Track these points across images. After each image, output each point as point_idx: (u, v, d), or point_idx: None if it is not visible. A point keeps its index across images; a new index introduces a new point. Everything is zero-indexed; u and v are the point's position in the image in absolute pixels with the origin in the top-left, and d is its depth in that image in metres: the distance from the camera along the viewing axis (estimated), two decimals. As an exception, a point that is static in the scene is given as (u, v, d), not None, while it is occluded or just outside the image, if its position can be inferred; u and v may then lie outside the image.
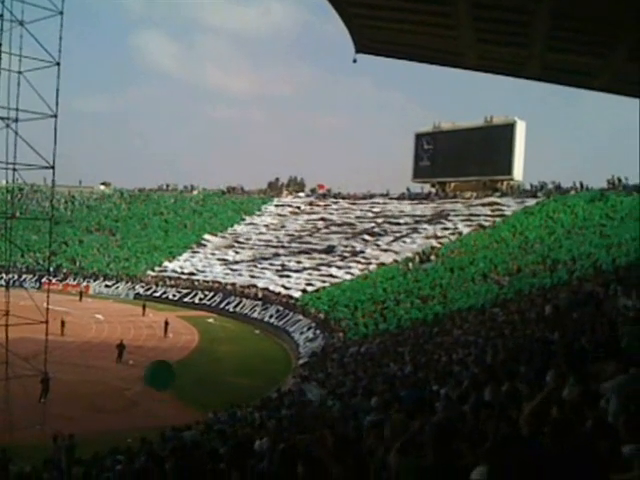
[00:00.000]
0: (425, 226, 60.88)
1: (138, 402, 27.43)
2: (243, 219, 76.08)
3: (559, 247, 44.06)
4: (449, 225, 59.27)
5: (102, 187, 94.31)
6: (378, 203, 71.40)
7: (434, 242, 56.21)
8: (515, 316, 25.18)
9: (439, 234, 57.89)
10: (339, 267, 56.51)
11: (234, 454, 4.80)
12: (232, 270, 61.56)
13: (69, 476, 13.24)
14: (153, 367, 15.94)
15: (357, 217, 68.83)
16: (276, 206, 78.74)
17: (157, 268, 65.20)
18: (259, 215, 76.79)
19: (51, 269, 58.15)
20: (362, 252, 59.06)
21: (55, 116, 26.23)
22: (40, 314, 24.78)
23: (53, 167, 26.62)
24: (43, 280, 57.23)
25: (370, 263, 55.56)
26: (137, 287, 61.48)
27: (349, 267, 55.82)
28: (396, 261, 53.85)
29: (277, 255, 63.20)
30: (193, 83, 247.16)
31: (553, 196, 59.01)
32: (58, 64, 26.07)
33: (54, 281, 57.92)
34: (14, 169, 26.70)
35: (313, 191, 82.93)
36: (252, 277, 58.32)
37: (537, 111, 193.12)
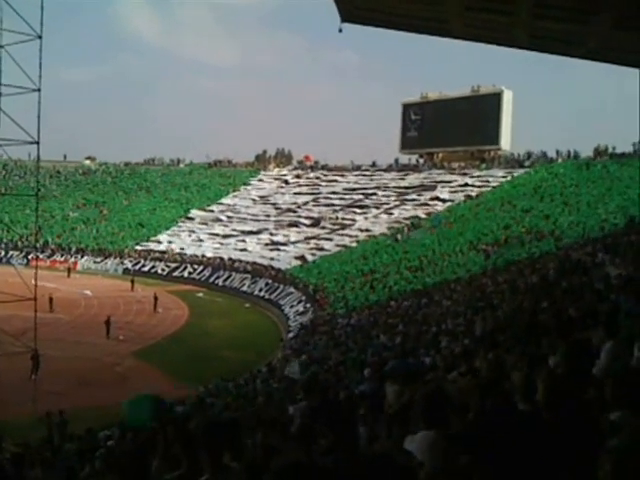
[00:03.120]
0: (413, 197, 60.89)
1: (129, 377, 27.48)
2: (230, 192, 75.70)
3: (547, 216, 44.24)
4: (437, 196, 59.29)
5: (87, 162, 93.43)
6: (366, 174, 71.23)
7: (422, 213, 56.29)
8: (504, 286, 25.30)
9: (427, 205, 57.93)
10: (328, 239, 56.55)
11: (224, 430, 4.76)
12: (221, 244, 61.44)
13: (62, 452, 13.29)
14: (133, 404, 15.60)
15: (345, 189, 68.64)
16: (263, 180, 78.35)
17: (145, 243, 64.92)
18: (247, 188, 76.42)
19: (38, 245, 57.78)
20: (350, 224, 59.09)
21: (38, 90, 25.87)
22: (28, 291, 24.66)
23: (38, 142, 26.33)
24: (30, 256, 56.89)
25: (358, 235, 55.62)
26: (125, 262, 61.21)
27: (338, 239, 55.86)
28: (384, 233, 53.91)
29: (266, 228, 63.10)
30: (175, 54, 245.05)
31: (540, 165, 59.15)
32: (40, 37, 25.62)
33: (42, 257, 57.59)
34: (-2, 145, 26.46)
35: (300, 163, 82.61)
36: (241, 250, 58.26)
37: (524, 80, 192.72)
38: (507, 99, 64.35)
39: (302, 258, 52.96)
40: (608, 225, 35.80)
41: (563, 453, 2.70)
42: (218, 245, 61.26)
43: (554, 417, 3.76)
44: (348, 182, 70.42)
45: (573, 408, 4.46)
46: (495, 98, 64.08)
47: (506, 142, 64.93)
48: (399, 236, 51.33)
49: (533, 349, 8.48)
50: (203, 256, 58.69)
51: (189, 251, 60.75)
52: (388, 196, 63.35)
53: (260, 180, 78.28)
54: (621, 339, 6.91)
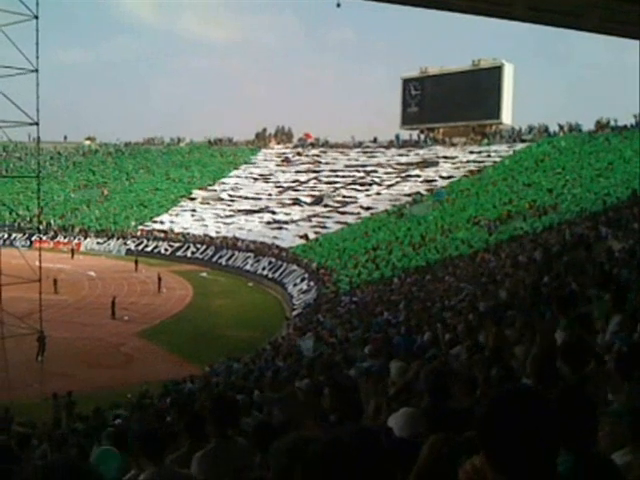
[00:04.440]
0: (415, 173, 60.70)
1: (135, 357, 27.68)
2: (232, 171, 75.49)
3: (549, 190, 44.14)
4: (439, 171, 59.13)
5: (87, 142, 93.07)
6: (367, 151, 70.96)
7: (424, 189, 56.17)
8: (506, 261, 25.35)
9: (429, 181, 57.79)
10: (330, 217, 56.51)
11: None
12: (223, 223, 61.40)
13: (70, 431, 13.41)
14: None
15: (346, 166, 68.42)
16: (264, 158, 78.10)
17: (147, 223, 64.85)
18: (247, 167, 76.20)
19: (41, 227, 57.79)
20: (352, 201, 59.00)
21: (36, 71, 25.74)
22: (33, 273, 24.73)
23: (37, 123, 26.24)
24: (34, 238, 56.95)
25: (360, 212, 55.55)
26: (128, 243, 61.23)
27: (340, 217, 55.81)
28: (387, 210, 53.82)
29: (267, 206, 63.03)
30: (173, 33, 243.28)
31: (542, 138, 58.85)
32: (36, 17, 25.43)
33: (45, 239, 57.58)
34: (-2, 127, 26.39)
35: (301, 140, 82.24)
36: (243, 229, 58.24)
37: (525, 53, 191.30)
38: (508, 73, 63.86)
39: (305, 236, 52.94)
40: (610, 199, 35.71)
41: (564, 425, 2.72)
42: (220, 224, 61.20)
43: (546, 389, 3.82)
44: (349, 159, 70.17)
45: (572, 382, 4.51)
46: (496, 72, 63.61)
47: (507, 116, 64.56)
48: (401, 212, 51.30)
49: (536, 324, 8.54)
50: (206, 235, 58.69)
51: (191, 231, 60.70)
52: (389, 173, 63.17)
53: (260, 158, 78.03)
54: (627, 313, 6.95)
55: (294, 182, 68.20)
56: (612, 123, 55.34)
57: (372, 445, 1.68)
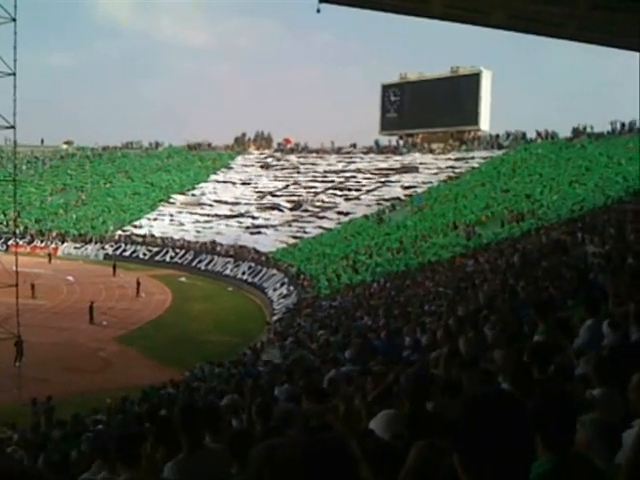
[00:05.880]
0: (394, 179, 60.93)
1: (113, 362, 27.45)
2: (210, 176, 75.22)
3: (527, 196, 44.56)
4: (418, 177, 59.44)
5: (65, 146, 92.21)
6: (346, 157, 71.13)
7: (403, 195, 56.43)
8: (485, 266, 25.55)
9: (408, 186, 58.05)
10: (310, 222, 56.52)
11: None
12: (202, 228, 61.14)
13: (49, 438, 13.31)
14: None
15: (325, 171, 68.52)
16: (243, 163, 77.96)
17: (126, 227, 64.37)
18: (227, 171, 75.99)
19: (17, 231, 57.09)
20: (332, 206, 59.08)
21: (14, 74, 25.57)
22: (9, 277, 24.51)
23: (14, 127, 26.08)
24: (10, 243, 56.18)
25: (340, 217, 55.66)
26: (106, 247, 60.65)
27: (320, 222, 55.85)
28: (366, 215, 53.98)
29: (247, 211, 62.89)
30: (152, 37, 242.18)
31: (519, 145, 59.44)
32: (14, 20, 25.28)
33: (21, 243, 56.87)
34: (-27, 131, 26.15)
35: (280, 145, 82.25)
36: (222, 234, 58.03)
37: (503, 60, 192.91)
38: (486, 79, 64.48)
39: (285, 241, 52.92)
40: (587, 204, 36.15)
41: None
42: (199, 229, 60.95)
43: (530, 394, 3.89)
44: (329, 164, 70.28)
45: (549, 384, 4.59)
46: (474, 79, 64.20)
47: (485, 123, 65.16)
48: (381, 218, 51.48)
49: (514, 328, 8.64)
50: (185, 240, 58.35)
51: (170, 235, 60.28)
52: (369, 178, 63.37)
53: (240, 163, 77.86)
54: (600, 318, 7.06)
55: (273, 187, 68.13)
56: (588, 130, 56.04)
57: (335, 453, 1.68)
